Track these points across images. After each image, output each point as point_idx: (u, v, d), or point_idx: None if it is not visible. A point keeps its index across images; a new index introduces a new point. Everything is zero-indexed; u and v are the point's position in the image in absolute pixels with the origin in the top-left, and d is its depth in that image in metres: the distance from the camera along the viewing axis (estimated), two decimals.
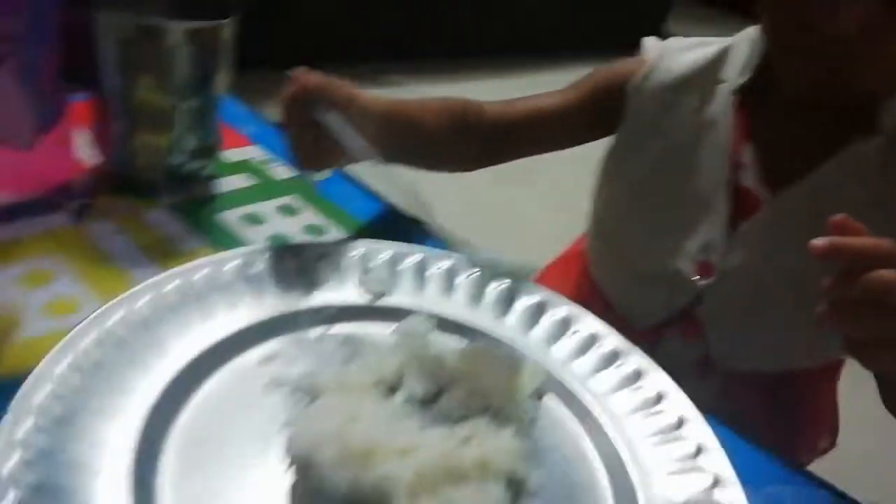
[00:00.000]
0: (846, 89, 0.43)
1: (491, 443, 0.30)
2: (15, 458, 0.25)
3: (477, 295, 0.40)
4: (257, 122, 0.58)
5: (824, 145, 0.46)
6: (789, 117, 0.47)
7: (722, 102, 0.49)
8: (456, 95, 0.54)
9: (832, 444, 0.60)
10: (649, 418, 0.34)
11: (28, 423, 0.27)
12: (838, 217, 0.30)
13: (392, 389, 0.33)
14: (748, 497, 0.30)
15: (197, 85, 0.44)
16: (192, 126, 0.45)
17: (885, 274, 0.29)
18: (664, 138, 0.51)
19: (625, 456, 0.32)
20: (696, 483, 0.31)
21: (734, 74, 0.49)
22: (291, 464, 0.28)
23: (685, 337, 0.52)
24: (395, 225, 0.49)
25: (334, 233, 0.46)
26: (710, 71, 0.51)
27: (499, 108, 0.55)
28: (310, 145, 0.41)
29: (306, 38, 1.47)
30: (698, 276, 0.50)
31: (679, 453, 0.32)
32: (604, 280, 0.57)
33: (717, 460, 0.32)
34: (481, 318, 0.39)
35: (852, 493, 0.36)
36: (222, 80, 0.46)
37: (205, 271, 0.36)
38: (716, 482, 0.31)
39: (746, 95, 0.49)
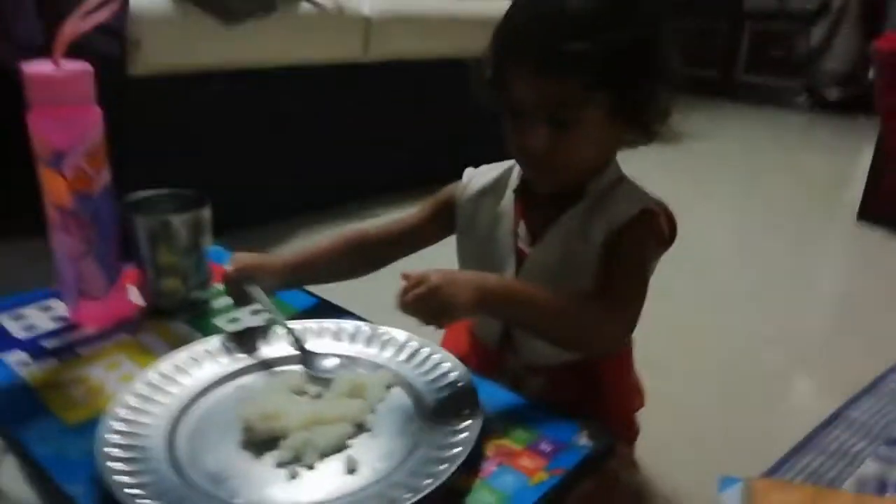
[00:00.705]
0: (570, 179, 0.73)
1: (347, 406, 0.59)
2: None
3: (364, 340, 0.69)
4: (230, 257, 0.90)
5: (560, 212, 0.75)
6: (541, 202, 0.77)
7: (508, 199, 0.79)
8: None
9: (642, 404, 0.85)
10: (442, 392, 0.62)
11: (112, 428, 0.56)
12: (403, 273, 0.61)
13: (302, 392, 0.62)
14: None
15: (193, 246, 0.76)
16: (193, 271, 0.77)
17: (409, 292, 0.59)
18: (478, 227, 0.81)
19: (423, 405, 0.60)
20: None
21: (515, 180, 0.80)
22: (243, 427, 0.57)
23: (514, 352, 0.80)
24: (316, 309, 0.79)
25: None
26: (501, 181, 0.81)
27: (379, 230, 0.84)
28: (240, 297, 0.74)
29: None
30: None
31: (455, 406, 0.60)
32: (472, 324, 0.86)
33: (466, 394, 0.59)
34: (362, 352, 0.68)
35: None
36: (207, 241, 0.78)
37: (200, 346, 0.67)
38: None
39: (521, 192, 0.79)
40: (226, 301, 0.80)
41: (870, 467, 1.02)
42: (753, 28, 4.22)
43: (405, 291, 0.60)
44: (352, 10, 1.92)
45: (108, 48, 1.38)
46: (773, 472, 1.00)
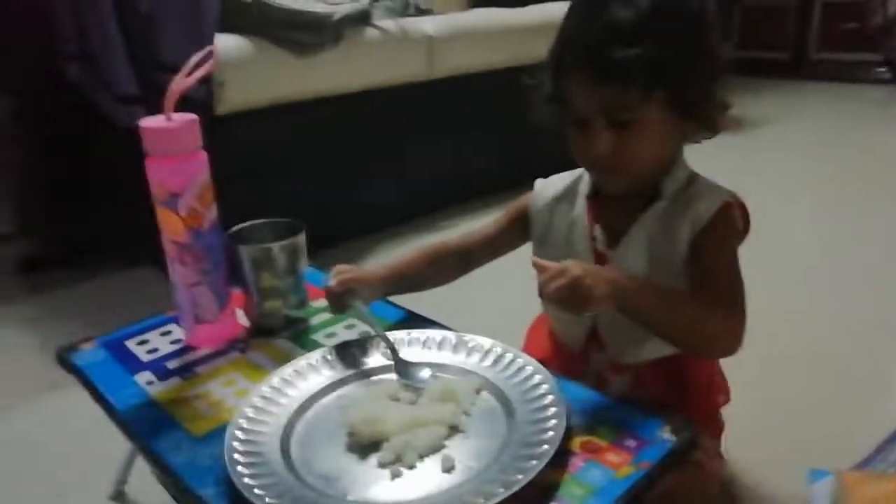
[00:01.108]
0: (641, 180, 0.76)
1: (442, 410, 0.64)
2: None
3: (452, 348, 0.75)
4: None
5: (636, 214, 0.78)
6: (615, 205, 0.80)
7: (581, 205, 0.83)
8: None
9: (727, 400, 0.86)
10: (528, 393, 0.66)
11: (238, 426, 0.63)
12: (534, 259, 0.66)
13: (398, 398, 0.67)
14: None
15: (291, 270, 0.84)
16: (292, 292, 0.84)
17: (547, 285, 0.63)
18: (554, 234, 0.85)
19: (511, 407, 0.64)
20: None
21: (585, 187, 0.83)
22: (348, 432, 0.63)
23: (598, 350, 0.83)
24: (405, 321, 0.85)
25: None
26: (572, 188, 0.85)
27: (459, 241, 0.90)
28: (341, 309, 0.81)
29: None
30: None
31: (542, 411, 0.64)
32: (554, 327, 0.90)
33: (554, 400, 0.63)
34: (451, 359, 0.73)
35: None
36: (303, 264, 0.85)
37: (304, 360, 0.74)
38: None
39: (593, 197, 0.82)
40: (323, 318, 0.87)
41: None
42: (824, 1, 4.03)
43: (547, 282, 0.64)
44: (415, 31, 1.99)
45: (198, 94, 1.50)
46: (864, 464, 0.99)
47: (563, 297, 0.63)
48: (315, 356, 0.75)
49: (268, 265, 0.83)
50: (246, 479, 0.57)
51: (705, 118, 0.74)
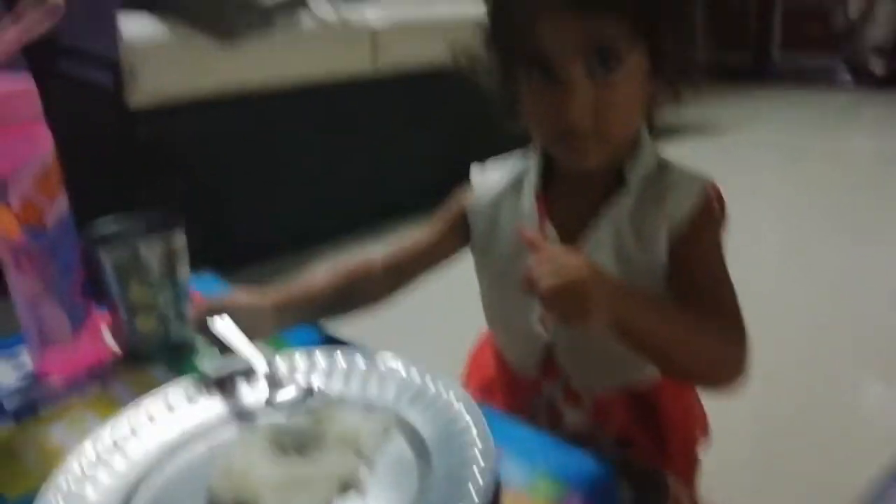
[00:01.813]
0: (614, 147, 0.60)
1: (334, 461, 0.48)
2: None
3: (360, 377, 0.59)
4: (227, 289, 0.81)
5: (597, 209, 0.64)
6: (571, 197, 0.65)
7: (530, 199, 0.67)
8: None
9: (706, 433, 0.72)
10: (451, 438, 0.51)
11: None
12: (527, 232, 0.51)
13: (282, 446, 0.51)
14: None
15: (168, 278, 0.67)
16: (171, 307, 0.68)
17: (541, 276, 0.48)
18: (498, 237, 0.69)
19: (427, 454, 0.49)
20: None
21: (533, 178, 0.68)
22: (207, 495, 0.47)
23: (552, 379, 0.68)
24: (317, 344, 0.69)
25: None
26: (516, 180, 0.69)
27: (387, 255, 0.73)
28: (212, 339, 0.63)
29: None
30: (544, 331, 0.66)
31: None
32: (500, 349, 0.74)
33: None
34: (357, 390, 0.58)
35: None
36: (184, 271, 0.69)
37: (161, 399, 0.57)
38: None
39: (543, 189, 0.67)
40: None
41: None
42: (786, 3, 4.01)
43: (540, 273, 0.49)
44: (358, 22, 1.84)
45: (102, 78, 1.32)
46: None
47: (557, 300, 0.49)
48: (178, 393, 0.58)
49: (136, 272, 0.66)
50: None
51: (675, 80, 0.61)
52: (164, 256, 0.67)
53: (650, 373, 0.67)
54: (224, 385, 0.59)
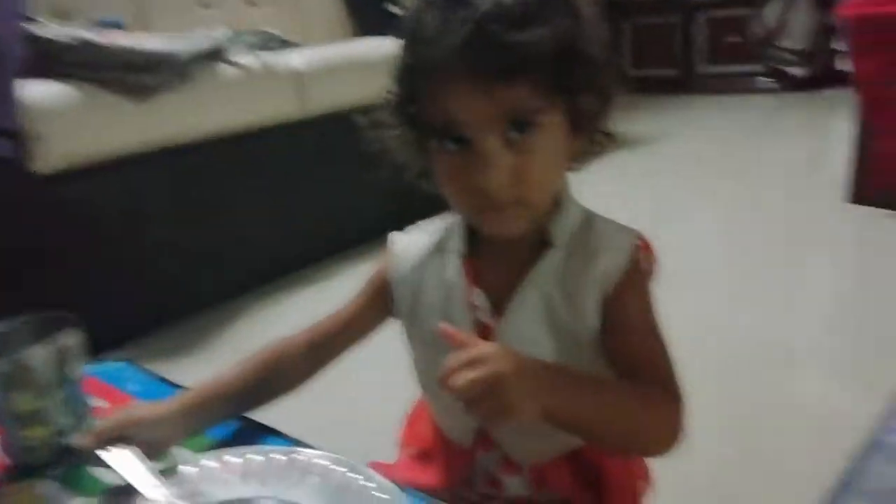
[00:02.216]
0: (535, 212, 0.57)
1: None
2: None
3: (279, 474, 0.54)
4: (142, 379, 0.74)
5: (524, 272, 0.60)
6: (498, 261, 0.62)
7: (455, 265, 0.63)
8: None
9: (649, 485, 0.69)
10: None
11: None
12: (444, 327, 0.48)
13: None
14: None
15: (57, 382, 0.61)
16: (62, 412, 0.61)
17: (465, 377, 0.44)
18: (424, 304, 0.65)
19: None
20: None
21: (458, 243, 0.64)
22: None
23: (487, 449, 0.64)
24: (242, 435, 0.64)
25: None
26: (440, 245, 0.65)
27: (306, 334, 0.69)
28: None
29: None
30: None
31: None
32: (435, 418, 0.70)
33: None
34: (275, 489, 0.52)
35: None
36: (76, 370, 0.62)
37: None
38: None
39: (469, 254, 0.63)
40: None
41: None
42: (707, 17, 4.14)
43: (458, 368, 0.45)
44: (281, 66, 1.80)
45: (5, 150, 1.25)
46: None
47: (476, 398, 0.45)
48: None
49: (22, 382, 0.60)
50: None
51: (595, 134, 0.58)
52: (54, 361, 0.60)
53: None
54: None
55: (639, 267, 0.59)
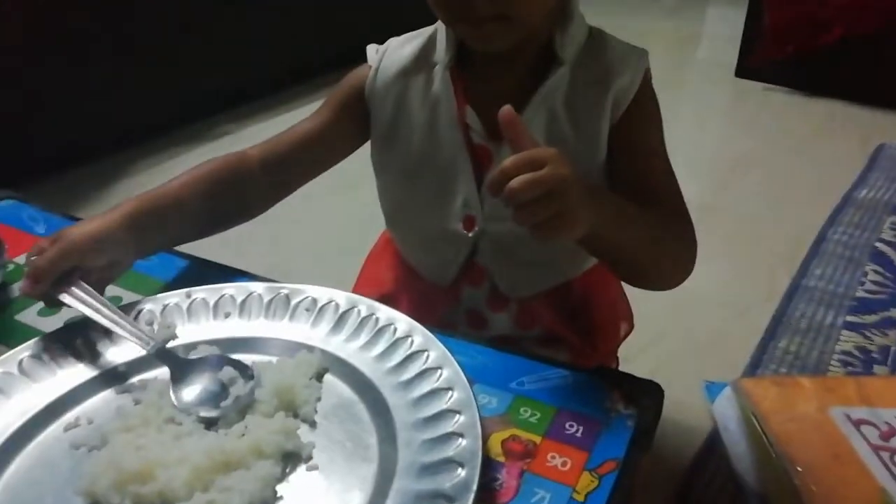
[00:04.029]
0: (526, 37, 0.51)
1: (262, 429, 0.37)
2: None
3: (265, 310, 0.46)
4: (48, 220, 0.62)
5: (526, 91, 0.54)
6: (494, 76, 0.55)
7: (442, 80, 0.56)
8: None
9: (631, 328, 0.70)
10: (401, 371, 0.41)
11: None
12: (507, 110, 0.41)
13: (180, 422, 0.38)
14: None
15: None
16: None
17: (525, 177, 0.38)
18: (406, 125, 0.57)
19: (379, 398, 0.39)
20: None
21: (443, 54, 0.56)
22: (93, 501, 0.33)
23: (476, 284, 0.60)
24: (195, 275, 0.54)
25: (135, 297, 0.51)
26: (424, 57, 0.57)
27: (263, 149, 0.58)
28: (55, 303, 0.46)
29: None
30: (466, 230, 0.57)
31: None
32: (408, 255, 0.64)
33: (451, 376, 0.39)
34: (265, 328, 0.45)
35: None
36: None
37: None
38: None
39: (458, 68, 0.56)
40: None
41: (847, 341, 0.96)
42: None
43: (516, 170, 0.38)
44: None
45: None
46: (755, 365, 0.91)
47: (535, 211, 0.39)
48: (12, 360, 0.42)
49: None
50: None
51: None
52: None
53: (578, 270, 0.62)
54: (78, 344, 0.44)
55: (650, 88, 0.55)
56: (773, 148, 1.66)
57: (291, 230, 1.03)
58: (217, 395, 0.39)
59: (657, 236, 0.50)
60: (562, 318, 0.62)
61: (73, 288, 0.44)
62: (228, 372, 0.40)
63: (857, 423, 0.69)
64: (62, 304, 0.45)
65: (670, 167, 0.55)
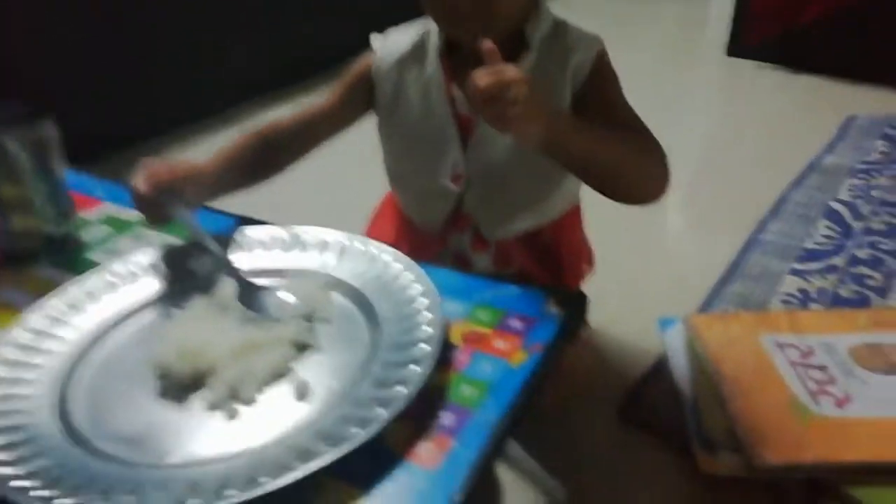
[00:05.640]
0: (505, 22, 0.62)
1: (284, 325, 0.49)
2: None
3: (285, 246, 0.59)
4: (103, 186, 0.74)
5: None
6: (475, 60, 0.67)
7: (433, 61, 0.68)
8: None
9: (591, 269, 0.82)
10: (389, 286, 0.53)
11: None
12: (487, 43, 0.51)
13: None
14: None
15: (41, 172, 0.61)
16: (48, 202, 0.62)
17: (489, 73, 0.49)
18: (406, 101, 0.70)
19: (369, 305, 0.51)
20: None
21: (436, 41, 0.68)
22: (158, 374, 0.46)
23: (460, 230, 0.73)
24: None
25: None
26: (419, 44, 0.70)
27: (291, 119, 0.71)
28: (159, 219, 0.59)
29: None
30: (454, 185, 0.70)
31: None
32: (406, 209, 0.77)
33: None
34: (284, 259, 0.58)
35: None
36: (59, 164, 0.62)
37: (77, 287, 0.54)
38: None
39: (447, 51, 0.68)
40: (100, 232, 0.66)
41: (790, 283, 1.06)
42: None
43: (482, 74, 0.49)
44: None
45: None
46: (707, 305, 1.02)
47: (492, 96, 0.49)
48: (91, 280, 0.55)
49: (4, 166, 0.59)
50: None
51: None
52: (35, 149, 0.60)
53: (548, 216, 0.73)
54: (140, 267, 0.57)
55: (605, 60, 0.66)
56: (758, 123, 1.76)
57: (312, 194, 1.19)
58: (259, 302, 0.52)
59: (624, 149, 0.59)
60: (533, 259, 0.74)
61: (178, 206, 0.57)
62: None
63: (783, 346, 0.81)
64: (163, 220, 0.58)
65: (634, 113, 0.64)
